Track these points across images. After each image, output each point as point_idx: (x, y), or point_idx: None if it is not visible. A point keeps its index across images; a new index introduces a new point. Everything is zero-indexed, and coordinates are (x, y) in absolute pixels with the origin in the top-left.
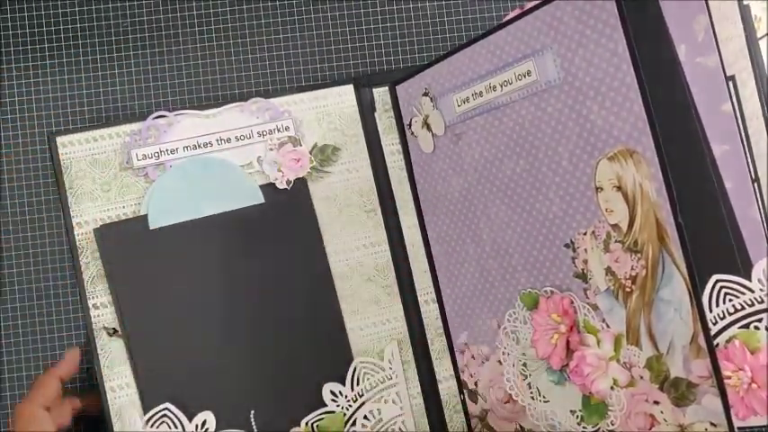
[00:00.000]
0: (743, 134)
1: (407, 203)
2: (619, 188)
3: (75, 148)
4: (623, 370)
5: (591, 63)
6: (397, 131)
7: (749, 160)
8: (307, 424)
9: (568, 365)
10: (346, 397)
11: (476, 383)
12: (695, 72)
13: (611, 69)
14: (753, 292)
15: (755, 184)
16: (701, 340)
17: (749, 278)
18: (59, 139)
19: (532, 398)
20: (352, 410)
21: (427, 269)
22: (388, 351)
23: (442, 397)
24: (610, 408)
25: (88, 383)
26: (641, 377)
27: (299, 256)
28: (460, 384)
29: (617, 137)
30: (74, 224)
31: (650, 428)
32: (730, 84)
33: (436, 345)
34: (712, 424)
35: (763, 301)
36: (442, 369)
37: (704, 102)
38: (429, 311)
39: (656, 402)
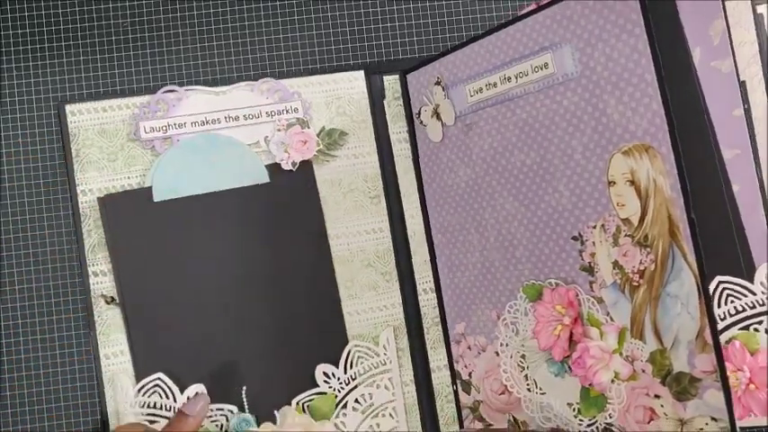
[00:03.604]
0: (752, 139)
1: (412, 192)
2: (632, 182)
3: (83, 117)
4: (626, 363)
5: (610, 58)
6: (405, 120)
7: (757, 165)
8: (298, 403)
9: (570, 357)
10: (339, 379)
11: (470, 374)
12: (709, 76)
13: (631, 65)
14: (755, 294)
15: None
16: (708, 335)
17: (752, 281)
18: (68, 108)
19: (529, 389)
20: (343, 393)
21: (427, 258)
22: (384, 337)
23: (434, 386)
24: (609, 401)
25: (85, 349)
26: (643, 371)
27: (301, 238)
28: (453, 374)
29: (633, 132)
30: (78, 192)
31: (649, 422)
32: (741, 89)
33: (432, 334)
34: (713, 419)
35: (764, 304)
36: (437, 358)
37: (717, 105)
38: (427, 300)
39: (657, 396)
